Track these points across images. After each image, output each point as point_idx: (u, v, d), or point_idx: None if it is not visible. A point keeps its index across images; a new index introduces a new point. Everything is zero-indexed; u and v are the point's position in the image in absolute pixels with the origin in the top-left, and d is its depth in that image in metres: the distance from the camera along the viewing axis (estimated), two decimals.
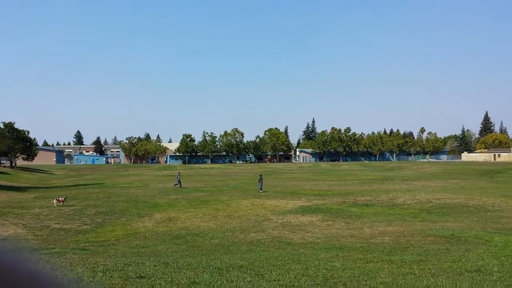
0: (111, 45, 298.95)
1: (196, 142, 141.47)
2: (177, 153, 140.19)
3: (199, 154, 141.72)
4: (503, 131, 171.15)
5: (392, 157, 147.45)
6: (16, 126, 79.44)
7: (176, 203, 27.48)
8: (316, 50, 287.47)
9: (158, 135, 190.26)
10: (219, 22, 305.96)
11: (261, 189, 34.60)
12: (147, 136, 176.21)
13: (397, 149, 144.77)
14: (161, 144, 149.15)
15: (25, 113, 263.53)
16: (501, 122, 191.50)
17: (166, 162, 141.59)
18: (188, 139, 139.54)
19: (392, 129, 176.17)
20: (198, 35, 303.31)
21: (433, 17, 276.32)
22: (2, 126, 77.23)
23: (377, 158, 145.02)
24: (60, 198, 27.12)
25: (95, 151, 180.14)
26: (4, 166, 79.80)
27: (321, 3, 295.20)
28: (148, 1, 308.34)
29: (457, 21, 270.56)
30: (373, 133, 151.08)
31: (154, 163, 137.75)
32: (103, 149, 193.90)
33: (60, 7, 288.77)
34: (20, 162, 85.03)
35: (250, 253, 11.57)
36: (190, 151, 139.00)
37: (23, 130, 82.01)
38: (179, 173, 44.01)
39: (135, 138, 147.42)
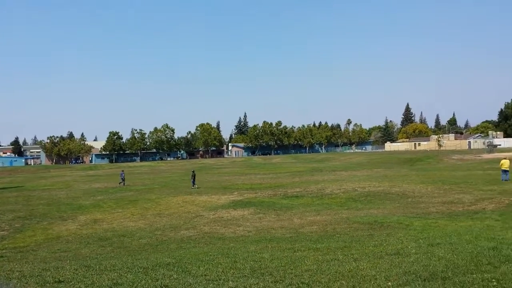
0: (26, 37, 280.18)
1: (124, 140, 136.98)
2: (103, 152, 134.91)
3: (127, 152, 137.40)
4: (422, 121, 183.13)
5: (321, 149, 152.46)
6: None
7: (102, 204, 26.38)
8: (246, 44, 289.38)
9: (83, 134, 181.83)
10: (149, 13, 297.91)
11: (193, 185, 34.17)
12: (71, 135, 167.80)
13: (326, 141, 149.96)
14: (86, 143, 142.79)
15: None
16: (421, 113, 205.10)
17: (91, 161, 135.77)
18: (115, 136, 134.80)
19: (320, 122, 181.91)
20: (124, 31, 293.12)
21: (360, 13, 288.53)
22: None
23: (307, 150, 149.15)
24: None
25: (13, 152, 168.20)
26: None
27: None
28: None
29: (380, 16, 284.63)
30: (303, 126, 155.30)
31: (78, 163, 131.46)
32: (22, 149, 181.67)
33: None
34: None
35: (179, 251, 11.34)
36: (118, 149, 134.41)
37: None
38: (122, 171, 43.94)
39: (57, 137, 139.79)
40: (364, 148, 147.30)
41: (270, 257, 8.33)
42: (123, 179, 40.70)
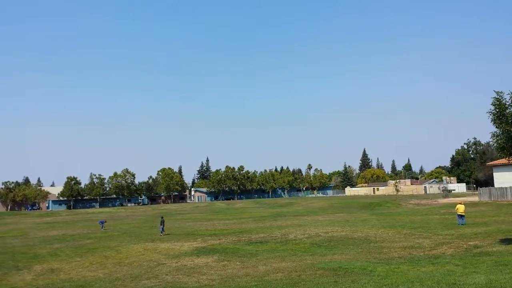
0: None
1: (82, 185, 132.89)
2: (61, 198, 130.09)
3: (85, 198, 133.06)
4: (379, 166, 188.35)
5: (284, 193, 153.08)
6: None
7: (60, 253, 25.28)
8: (207, 88, 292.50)
9: (39, 178, 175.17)
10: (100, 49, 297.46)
11: (162, 232, 33.18)
12: (26, 180, 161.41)
13: (288, 185, 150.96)
14: (42, 188, 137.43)
15: None
16: (377, 158, 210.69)
17: (48, 208, 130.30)
18: (73, 181, 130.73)
19: (282, 167, 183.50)
20: (81, 69, 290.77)
21: (320, 56, 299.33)
22: None
23: (270, 195, 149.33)
24: None
25: None
26: None
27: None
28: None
29: (334, 62, 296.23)
30: (265, 170, 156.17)
31: (34, 209, 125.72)
32: None
33: None
34: None
35: None
36: (76, 195, 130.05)
37: None
38: (104, 220, 44.63)
39: (12, 182, 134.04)
40: (325, 193, 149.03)
41: None
42: (103, 225, 42.26)
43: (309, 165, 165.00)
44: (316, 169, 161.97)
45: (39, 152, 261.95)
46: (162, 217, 35.69)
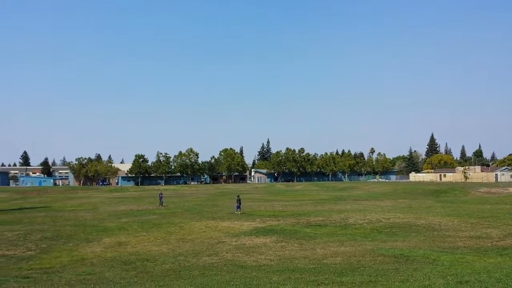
0: (57, 61, 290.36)
1: (149, 163, 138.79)
2: (129, 174, 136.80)
3: (152, 175, 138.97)
4: (447, 152, 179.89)
5: (344, 177, 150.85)
6: None
7: (127, 227, 26.67)
8: (270, 70, 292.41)
9: (110, 156, 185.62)
10: (169, 39, 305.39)
11: (238, 210, 34.17)
12: (98, 157, 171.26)
13: (349, 169, 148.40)
14: (113, 165, 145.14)
15: None
16: (446, 144, 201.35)
17: (117, 183, 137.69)
18: (141, 159, 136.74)
19: (343, 150, 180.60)
20: (153, 53, 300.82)
21: (381, 41, 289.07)
22: None
23: (329, 178, 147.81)
24: None
25: (42, 172, 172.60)
26: None
27: (269, 24, 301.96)
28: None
29: (404, 43, 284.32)
30: (325, 153, 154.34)
31: (105, 184, 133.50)
32: (51, 170, 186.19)
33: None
34: None
35: (202, 278, 11.34)
36: (143, 172, 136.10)
37: None
38: (161, 193, 47.28)
39: (85, 158, 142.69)
40: (388, 178, 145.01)
41: None
42: (161, 200, 44.78)
43: (372, 149, 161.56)
44: (379, 153, 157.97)
45: (110, 130, 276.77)
46: (238, 196, 36.85)
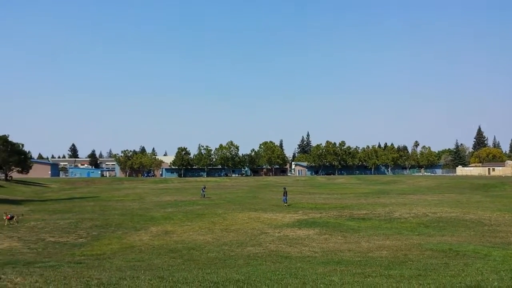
0: (105, 57, 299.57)
1: (191, 155, 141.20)
2: (173, 166, 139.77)
3: (194, 167, 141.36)
4: (496, 145, 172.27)
5: (387, 171, 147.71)
6: (10, 139, 78.99)
7: (172, 217, 27.32)
8: (311, 62, 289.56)
9: (153, 148, 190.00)
10: (215, 35, 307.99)
11: (285, 202, 34.37)
12: (143, 149, 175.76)
13: (392, 163, 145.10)
14: (156, 157, 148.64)
15: (20, 126, 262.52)
16: (494, 137, 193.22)
17: (161, 175, 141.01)
18: (183, 152, 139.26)
19: (386, 143, 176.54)
20: (194, 48, 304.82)
21: (425, 31, 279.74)
22: None
23: (372, 171, 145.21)
24: (9, 215, 24.22)
25: (90, 164, 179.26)
26: None
27: (314, 18, 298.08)
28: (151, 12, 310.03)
29: (448, 34, 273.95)
30: (367, 146, 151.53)
31: (149, 176, 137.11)
32: (98, 162, 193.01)
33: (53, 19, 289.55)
34: (15, 175, 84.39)
35: (247, 267, 11.46)
36: (186, 164, 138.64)
37: (18, 143, 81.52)
38: (204, 186, 48.03)
39: (130, 151, 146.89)
40: (433, 172, 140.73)
41: (340, 281, 8.21)
42: (204, 192, 45.43)
43: (416, 142, 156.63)
44: (423, 147, 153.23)
45: (154, 123, 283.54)
46: (284, 188, 36.91)
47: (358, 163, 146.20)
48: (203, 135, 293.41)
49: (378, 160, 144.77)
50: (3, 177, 79.89)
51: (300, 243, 17.10)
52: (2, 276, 8.21)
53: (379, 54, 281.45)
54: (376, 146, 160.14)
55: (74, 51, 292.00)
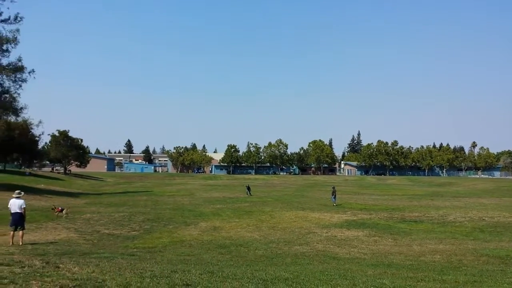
0: (160, 56, 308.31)
1: (240, 153, 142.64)
2: (222, 163, 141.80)
3: (243, 164, 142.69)
4: None
5: (442, 172, 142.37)
6: (70, 134, 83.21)
7: (221, 213, 27.76)
8: (361, 61, 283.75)
9: (204, 145, 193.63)
10: (261, 34, 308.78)
11: (334, 202, 34.06)
12: (194, 146, 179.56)
13: (447, 164, 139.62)
14: (207, 154, 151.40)
15: (79, 122, 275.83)
16: None
17: (211, 171, 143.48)
18: (233, 149, 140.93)
19: (442, 143, 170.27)
20: (243, 49, 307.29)
21: (478, 28, 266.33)
22: (57, 134, 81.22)
23: (425, 173, 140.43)
24: (59, 208, 25.12)
25: (144, 159, 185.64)
26: (58, 172, 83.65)
27: (367, 14, 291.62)
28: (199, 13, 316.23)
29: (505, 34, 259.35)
30: (421, 147, 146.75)
31: (199, 172, 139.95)
32: (152, 158, 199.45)
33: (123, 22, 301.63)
34: (73, 169, 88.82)
35: (295, 266, 11.45)
36: (235, 162, 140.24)
37: (77, 138, 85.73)
38: (248, 185, 47.78)
39: (182, 147, 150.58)
40: (491, 174, 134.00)
41: (392, 284, 8.03)
42: (249, 190, 45.35)
43: (474, 142, 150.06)
44: (481, 148, 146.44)
45: (204, 120, 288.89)
46: (333, 188, 36.37)
47: (411, 164, 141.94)
48: (252, 133, 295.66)
49: (432, 161, 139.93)
50: (63, 171, 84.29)
51: (349, 244, 16.86)
52: (61, 265, 8.67)
53: (435, 51, 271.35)
54: (431, 147, 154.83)
55: (134, 51, 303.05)
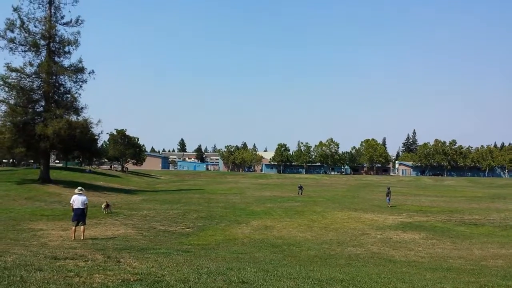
0: (214, 59, 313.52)
1: (290, 152, 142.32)
2: (272, 162, 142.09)
3: (293, 163, 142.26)
4: None
5: (504, 173, 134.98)
6: (127, 133, 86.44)
7: (272, 212, 27.81)
8: (416, 58, 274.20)
9: (254, 144, 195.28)
10: (311, 33, 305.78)
11: (389, 203, 33.31)
12: (244, 145, 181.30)
13: (509, 164, 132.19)
14: (257, 153, 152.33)
15: (136, 121, 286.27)
16: None
17: (261, 170, 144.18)
18: (283, 148, 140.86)
19: (503, 143, 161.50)
20: (297, 47, 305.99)
21: None
22: (115, 133, 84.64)
23: (486, 173, 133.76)
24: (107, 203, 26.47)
25: (196, 158, 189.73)
26: (116, 170, 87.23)
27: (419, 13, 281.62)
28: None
29: None
30: (482, 146, 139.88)
31: (250, 171, 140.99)
32: (204, 156, 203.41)
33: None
34: (130, 166, 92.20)
35: (349, 267, 11.26)
36: (285, 161, 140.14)
37: (134, 137, 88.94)
38: (300, 185, 48.28)
39: (233, 146, 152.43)
40: None
41: None
42: (301, 190, 45.54)
43: None
44: None
45: (255, 119, 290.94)
46: (388, 188, 35.44)
47: (470, 164, 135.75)
48: (303, 132, 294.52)
49: (493, 162, 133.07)
50: (120, 168, 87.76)
51: (405, 247, 16.36)
52: (122, 260, 9.03)
53: (493, 44, 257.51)
54: (492, 146, 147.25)
55: (179, 58, 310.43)
